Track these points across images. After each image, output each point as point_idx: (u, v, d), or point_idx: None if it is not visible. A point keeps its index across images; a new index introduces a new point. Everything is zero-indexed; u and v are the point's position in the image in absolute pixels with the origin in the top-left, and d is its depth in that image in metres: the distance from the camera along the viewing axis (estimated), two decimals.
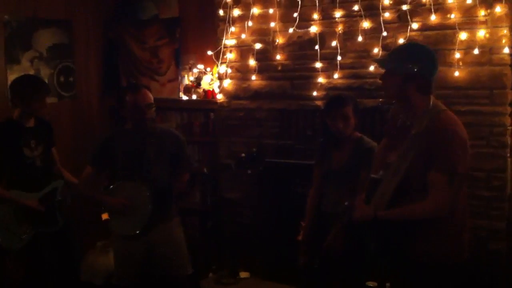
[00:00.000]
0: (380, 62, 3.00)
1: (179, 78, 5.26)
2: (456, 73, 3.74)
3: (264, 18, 4.46)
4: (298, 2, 4.25)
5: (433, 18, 3.80)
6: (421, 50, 2.77)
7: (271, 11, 4.41)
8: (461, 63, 3.74)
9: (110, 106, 5.51)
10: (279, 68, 4.46)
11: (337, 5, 4.13)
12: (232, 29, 4.57)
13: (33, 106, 3.79)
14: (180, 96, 5.21)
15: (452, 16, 3.75)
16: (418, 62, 2.65)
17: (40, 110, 3.86)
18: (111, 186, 3.57)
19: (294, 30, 4.30)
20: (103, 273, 4.94)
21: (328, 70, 4.24)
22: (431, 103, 2.67)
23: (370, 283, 3.58)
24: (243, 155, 3.40)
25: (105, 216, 3.88)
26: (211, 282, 4.51)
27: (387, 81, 2.73)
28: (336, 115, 3.40)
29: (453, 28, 3.75)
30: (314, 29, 4.25)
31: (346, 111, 3.39)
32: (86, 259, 5.07)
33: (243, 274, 4.62)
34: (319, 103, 4.23)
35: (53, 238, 3.91)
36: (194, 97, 5.07)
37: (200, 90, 5.03)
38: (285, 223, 4.28)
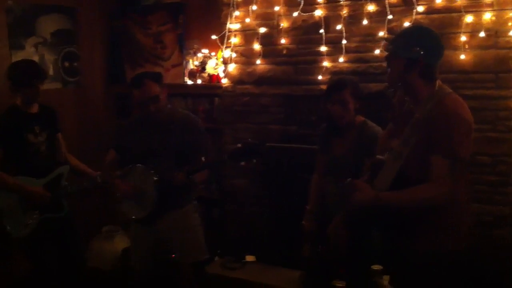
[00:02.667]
0: (387, 44, 2.95)
1: (184, 63, 5.24)
2: (462, 57, 3.71)
3: (268, 2, 4.43)
4: None
5: (439, 1, 3.77)
6: (428, 34, 2.71)
7: None
8: (466, 46, 3.71)
9: (116, 93, 5.52)
10: (284, 52, 4.44)
11: None
12: (237, 13, 4.54)
13: (26, 91, 3.78)
14: (185, 81, 5.19)
15: None
16: (423, 47, 2.60)
17: (33, 96, 3.83)
18: (123, 169, 3.62)
19: (298, 14, 4.27)
20: (109, 258, 4.97)
21: (333, 54, 4.22)
22: (437, 87, 2.63)
23: (375, 267, 3.57)
24: (239, 145, 3.33)
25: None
26: (217, 267, 4.52)
27: (391, 64, 2.70)
28: (334, 99, 3.36)
29: (458, 11, 3.71)
30: (318, 12, 4.21)
31: (344, 95, 3.33)
32: (92, 245, 5.10)
33: (249, 258, 4.62)
34: (324, 87, 4.20)
35: (55, 226, 3.91)
36: (199, 81, 5.06)
37: (205, 75, 5.02)
38: (290, 208, 4.27)
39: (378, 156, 2.76)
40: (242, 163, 3.35)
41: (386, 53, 2.79)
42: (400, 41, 2.71)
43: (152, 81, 3.44)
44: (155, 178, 3.48)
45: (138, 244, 3.74)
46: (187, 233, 3.68)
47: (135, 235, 3.79)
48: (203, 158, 3.56)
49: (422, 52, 2.58)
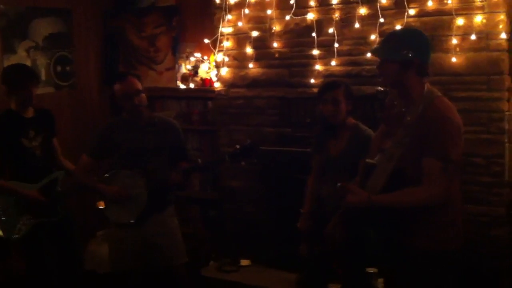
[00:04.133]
0: (375, 51, 3.00)
1: (176, 66, 5.25)
2: (453, 59, 3.73)
3: (260, 5, 4.43)
4: None
5: (430, 4, 3.79)
6: (415, 35, 2.79)
7: None
8: (458, 49, 3.73)
9: (111, 95, 5.51)
10: (277, 55, 4.45)
11: None
12: (229, 16, 4.55)
13: (20, 94, 3.78)
14: (178, 84, 5.20)
15: (449, 1, 3.73)
16: (413, 48, 2.65)
17: (27, 99, 3.81)
18: (107, 174, 3.59)
19: (291, 17, 4.28)
20: (105, 262, 4.96)
21: (325, 57, 4.23)
22: (426, 89, 2.67)
23: (371, 270, 3.60)
24: (237, 146, 3.39)
25: (101, 204, 3.88)
26: (212, 270, 4.53)
27: (384, 69, 2.73)
28: (327, 99, 3.43)
29: (450, 14, 3.73)
30: (311, 16, 4.22)
31: (336, 95, 3.41)
32: (88, 248, 5.10)
33: (244, 262, 4.63)
34: (317, 90, 4.22)
35: (53, 229, 3.90)
36: (191, 85, 5.06)
37: (198, 79, 5.03)
38: (286, 211, 4.28)
39: (368, 160, 2.79)
40: (243, 163, 3.46)
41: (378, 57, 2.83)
42: (390, 46, 2.74)
43: (134, 78, 3.57)
44: (143, 183, 3.48)
45: (119, 247, 3.66)
46: (170, 236, 3.67)
47: (115, 238, 3.72)
48: (199, 160, 3.60)
49: (411, 54, 2.63)
